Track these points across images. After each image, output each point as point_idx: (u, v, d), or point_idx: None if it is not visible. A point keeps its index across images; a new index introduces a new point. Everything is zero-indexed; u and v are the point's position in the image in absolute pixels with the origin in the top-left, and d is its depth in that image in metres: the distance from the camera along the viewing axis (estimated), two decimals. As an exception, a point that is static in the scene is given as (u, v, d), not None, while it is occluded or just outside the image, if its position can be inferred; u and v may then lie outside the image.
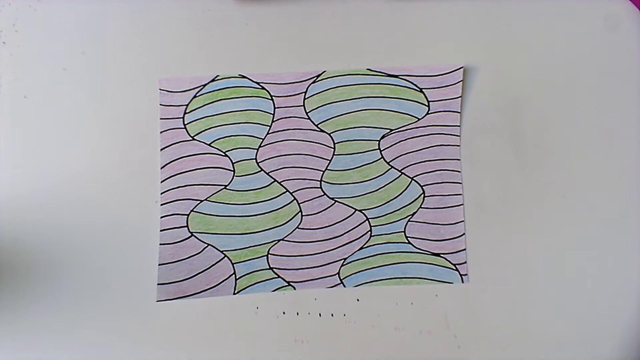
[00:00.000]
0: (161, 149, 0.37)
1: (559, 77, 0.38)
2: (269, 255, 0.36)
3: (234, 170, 0.37)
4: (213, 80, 0.38)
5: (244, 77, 0.38)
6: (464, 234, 0.37)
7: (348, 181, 0.37)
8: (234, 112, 0.37)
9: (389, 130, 0.37)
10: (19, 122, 0.37)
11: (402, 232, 0.37)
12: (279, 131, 0.37)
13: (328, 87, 0.38)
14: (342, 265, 0.36)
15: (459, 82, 0.37)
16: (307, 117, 0.37)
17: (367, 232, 0.37)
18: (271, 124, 0.37)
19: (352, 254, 0.36)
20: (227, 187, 0.37)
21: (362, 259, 0.36)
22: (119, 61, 0.38)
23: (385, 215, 0.37)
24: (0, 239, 0.36)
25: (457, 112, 0.38)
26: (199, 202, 0.36)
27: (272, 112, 0.37)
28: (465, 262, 0.36)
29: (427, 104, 0.38)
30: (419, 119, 0.38)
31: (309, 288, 0.36)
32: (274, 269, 0.36)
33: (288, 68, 0.38)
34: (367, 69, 0.38)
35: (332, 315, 0.36)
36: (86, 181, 0.37)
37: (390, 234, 0.37)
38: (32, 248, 0.36)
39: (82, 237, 0.36)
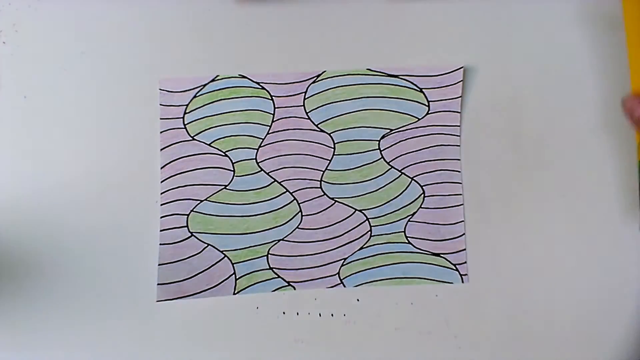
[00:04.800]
0: (161, 149, 0.37)
1: (559, 77, 0.38)
2: (269, 255, 0.36)
3: (234, 170, 0.37)
4: (213, 80, 0.38)
5: (244, 77, 0.38)
6: (464, 234, 0.37)
7: (348, 181, 0.37)
8: (234, 112, 0.37)
9: (389, 130, 0.37)
10: (19, 122, 0.37)
11: (402, 232, 0.37)
12: (279, 131, 0.37)
13: (328, 87, 0.38)
14: (342, 265, 0.36)
15: (459, 82, 0.37)
16: (307, 117, 0.37)
17: (367, 232, 0.37)
18: (271, 124, 0.37)
19: (352, 254, 0.36)
20: (227, 187, 0.37)
21: (362, 259, 0.36)
22: (119, 61, 0.38)
23: (385, 215, 0.37)
24: (0, 238, 0.36)
25: (457, 112, 0.38)
26: (199, 202, 0.36)
27: (272, 112, 0.37)
28: (465, 262, 0.36)
29: (427, 104, 0.38)
30: (419, 119, 0.38)
31: (309, 288, 0.36)
32: (274, 269, 0.36)
33: (288, 68, 0.38)
34: (367, 69, 0.38)
35: (332, 315, 0.36)
36: (86, 181, 0.37)
37: (390, 234, 0.37)
38: (32, 248, 0.36)
39: (82, 237, 0.36)
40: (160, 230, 0.36)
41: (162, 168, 0.37)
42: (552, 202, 0.37)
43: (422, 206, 0.37)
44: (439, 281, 0.36)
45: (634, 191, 0.37)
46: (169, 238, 0.36)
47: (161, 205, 0.36)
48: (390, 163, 0.37)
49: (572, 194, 0.37)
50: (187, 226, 0.36)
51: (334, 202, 0.37)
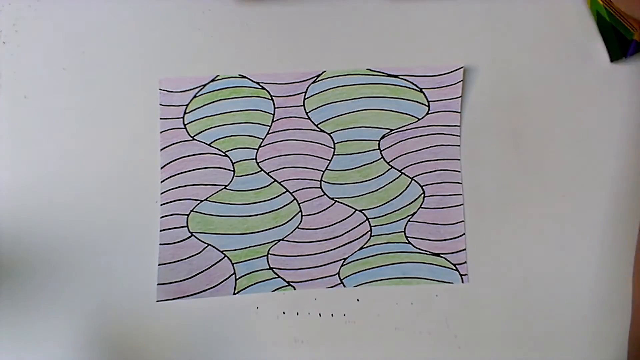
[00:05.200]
0: (161, 149, 0.37)
1: (559, 77, 0.38)
2: (269, 255, 0.36)
3: (234, 170, 0.37)
4: (213, 80, 0.38)
5: (244, 77, 0.38)
6: (464, 234, 0.37)
7: (348, 181, 0.37)
8: (234, 112, 0.37)
9: (389, 130, 0.37)
10: (19, 122, 0.37)
11: (402, 232, 0.37)
12: (279, 131, 0.37)
13: (328, 87, 0.38)
14: (342, 265, 0.36)
15: (459, 82, 0.37)
16: (307, 117, 0.37)
17: (367, 232, 0.37)
18: (271, 124, 0.37)
19: (352, 254, 0.36)
20: (227, 187, 0.37)
21: (362, 259, 0.36)
22: (119, 61, 0.38)
23: (385, 215, 0.37)
24: (0, 238, 0.36)
25: (457, 112, 0.38)
26: (199, 202, 0.36)
27: (272, 112, 0.37)
28: (465, 262, 0.36)
29: (427, 104, 0.38)
30: (419, 119, 0.38)
31: (309, 288, 0.36)
32: (274, 269, 0.36)
33: (288, 68, 0.38)
34: (367, 69, 0.38)
35: (332, 315, 0.36)
36: (86, 181, 0.37)
37: (390, 234, 0.37)
38: (32, 248, 0.36)
39: (82, 237, 0.36)
40: (160, 230, 0.36)
41: (162, 168, 0.37)
42: (552, 202, 0.37)
43: (422, 206, 0.37)
44: (439, 281, 0.36)
45: (635, 189, 0.37)
46: (169, 238, 0.36)
47: (161, 205, 0.36)
48: (390, 163, 0.37)
49: (572, 194, 0.37)
50: (187, 226, 0.36)
51: (334, 202, 0.37)
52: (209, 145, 0.37)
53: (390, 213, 0.37)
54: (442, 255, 0.36)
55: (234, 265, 0.36)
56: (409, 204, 0.37)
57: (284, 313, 0.35)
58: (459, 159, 0.37)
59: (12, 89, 0.38)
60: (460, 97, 0.37)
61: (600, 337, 0.36)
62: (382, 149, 0.37)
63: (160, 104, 0.37)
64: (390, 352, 0.35)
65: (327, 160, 0.37)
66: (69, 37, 0.38)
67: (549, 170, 0.37)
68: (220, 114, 0.37)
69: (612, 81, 0.38)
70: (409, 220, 0.37)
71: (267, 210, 0.37)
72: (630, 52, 0.37)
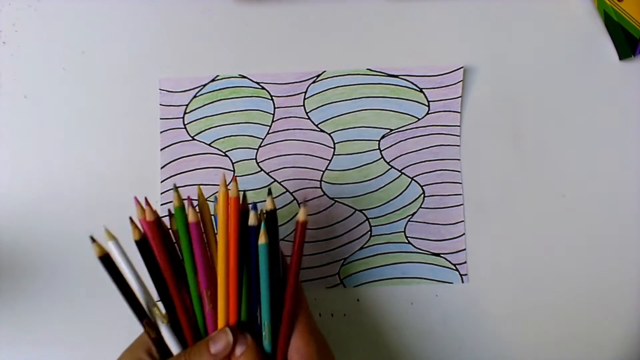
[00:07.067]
0: (161, 149, 0.37)
1: (559, 77, 0.38)
2: (269, 255, 0.36)
3: (234, 170, 0.37)
4: (213, 80, 0.38)
5: (244, 77, 0.38)
6: (464, 234, 0.37)
7: (348, 181, 0.37)
8: (234, 112, 0.37)
9: (389, 130, 0.37)
10: (19, 122, 0.37)
11: (402, 232, 0.37)
12: (279, 131, 0.37)
13: (328, 87, 0.38)
14: (342, 265, 0.36)
15: (459, 82, 0.37)
16: (307, 117, 0.37)
17: (367, 232, 0.37)
18: (271, 124, 0.37)
19: (352, 254, 0.36)
20: (227, 187, 0.37)
21: (362, 259, 0.36)
22: (119, 61, 0.38)
23: (385, 215, 0.37)
24: (0, 237, 0.36)
25: (457, 112, 0.38)
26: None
27: (272, 112, 0.37)
28: (465, 262, 0.36)
29: (427, 104, 0.38)
30: (419, 119, 0.38)
31: (309, 288, 0.36)
32: (274, 269, 0.36)
33: (288, 68, 0.38)
34: (367, 69, 0.38)
35: (332, 315, 0.36)
36: (86, 181, 0.37)
37: (390, 234, 0.37)
38: (32, 248, 0.36)
39: (82, 237, 0.36)
40: (160, 230, 0.36)
41: (162, 168, 0.37)
42: (552, 202, 0.37)
43: (422, 206, 0.37)
44: (438, 281, 0.36)
45: (633, 190, 0.37)
46: (169, 238, 0.36)
47: (161, 205, 0.36)
48: (390, 163, 0.37)
49: (572, 193, 0.37)
50: (187, 226, 0.36)
51: (334, 202, 0.37)
52: (209, 145, 0.37)
53: (390, 213, 0.37)
54: (442, 255, 0.36)
55: (234, 265, 0.36)
56: (409, 204, 0.37)
57: (284, 313, 0.35)
58: (459, 159, 0.37)
59: (12, 89, 0.38)
60: (460, 97, 0.37)
61: (600, 337, 0.36)
62: (382, 149, 0.37)
63: (160, 104, 0.37)
64: (390, 352, 0.35)
65: (327, 160, 0.37)
66: (69, 37, 0.38)
67: (549, 171, 0.37)
68: (220, 114, 0.37)
69: (612, 80, 0.38)
70: (409, 220, 0.37)
71: (267, 210, 0.36)
72: (638, 50, 0.37)
